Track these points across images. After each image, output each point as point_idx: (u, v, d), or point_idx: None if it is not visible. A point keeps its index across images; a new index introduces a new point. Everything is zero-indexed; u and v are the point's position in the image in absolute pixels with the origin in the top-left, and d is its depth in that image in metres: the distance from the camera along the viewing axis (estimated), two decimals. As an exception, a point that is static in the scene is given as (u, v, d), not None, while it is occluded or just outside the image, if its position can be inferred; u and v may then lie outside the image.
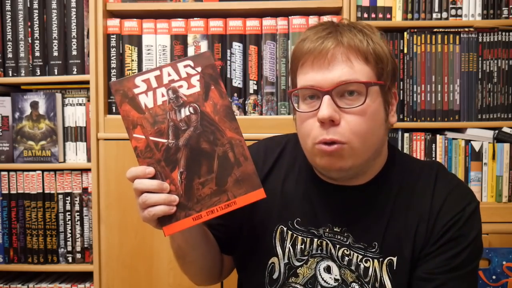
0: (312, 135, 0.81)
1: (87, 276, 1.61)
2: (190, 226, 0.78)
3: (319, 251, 0.88)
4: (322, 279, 0.87)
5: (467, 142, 1.52)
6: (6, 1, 1.58)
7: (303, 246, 0.89)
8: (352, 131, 0.79)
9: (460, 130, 1.55)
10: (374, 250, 0.85)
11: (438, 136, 1.53)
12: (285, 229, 0.90)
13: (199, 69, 0.80)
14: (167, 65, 0.80)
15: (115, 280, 1.53)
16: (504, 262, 1.41)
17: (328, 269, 0.87)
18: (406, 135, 1.53)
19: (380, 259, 0.84)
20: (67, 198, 1.58)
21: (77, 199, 1.58)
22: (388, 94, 0.85)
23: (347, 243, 0.86)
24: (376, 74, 0.82)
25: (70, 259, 1.58)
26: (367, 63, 0.81)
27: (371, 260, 0.85)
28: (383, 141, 0.86)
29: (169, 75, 0.80)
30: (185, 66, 0.80)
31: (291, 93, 0.86)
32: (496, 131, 1.50)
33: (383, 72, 0.82)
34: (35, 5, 1.57)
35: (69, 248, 1.58)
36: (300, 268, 0.88)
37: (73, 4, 1.56)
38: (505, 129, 1.50)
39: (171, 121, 0.79)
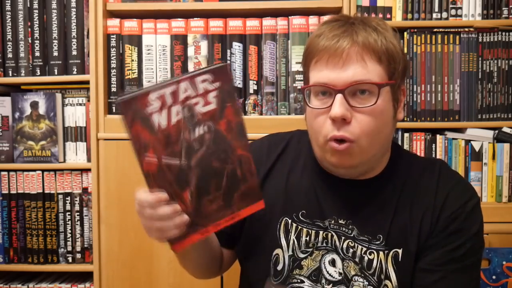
0: (323, 131, 0.83)
1: (87, 276, 1.61)
2: (198, 240, 0.80)
3: (324, 244, 0.89)
4: (327, 272, 0.88)
5: (467, 142, 1.52)
6: (6, 1, 1.57)
7: (308, 238, 0.90)
8: (361, 129, 0.81)
9: (460, 130, 1.54)
10: (378, 242, 0.87)
11: (438, 136, 1.53)
12: (289, 221, 0.91)
13: (217, 84, 0.75)
14: (185, 79, 0.73)
15: (115, 280, 1.53)
16: (504, 262, 1.41)
17: (333, 263, 0.88)
18: (406, 135, 1.53)
19: (386, 251, 0.86)
20: (67, 198, 1.58)
21: (77, 199, 1.58)
22: (398, 92, 0.87)
23: (352, 235, 0.88)
24: (388, 73, 0.83)
25: (70, 259, 1.58)
26: (380, 63, 0.82)
27: (375, 252, 0.86)
28: (390, 138, 0.89)
29: (185, 90, 0.73)
30: (203, 81, 0.74)
31: (304, 89, 0.88)
32: (496, 131, 1.50)
33: (394, 71, 0.84)
34: (35, 5, 1.57)
35: (69, 248, 1.58)
36: (304, 260, 0.89)
37: (73, 4, 1.56)
38: (505, 129, 1.50)
39: (185, 141, 0.74)
